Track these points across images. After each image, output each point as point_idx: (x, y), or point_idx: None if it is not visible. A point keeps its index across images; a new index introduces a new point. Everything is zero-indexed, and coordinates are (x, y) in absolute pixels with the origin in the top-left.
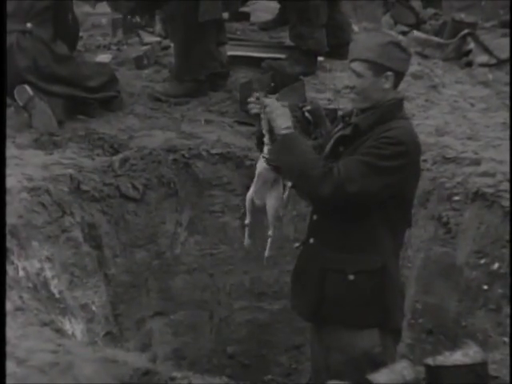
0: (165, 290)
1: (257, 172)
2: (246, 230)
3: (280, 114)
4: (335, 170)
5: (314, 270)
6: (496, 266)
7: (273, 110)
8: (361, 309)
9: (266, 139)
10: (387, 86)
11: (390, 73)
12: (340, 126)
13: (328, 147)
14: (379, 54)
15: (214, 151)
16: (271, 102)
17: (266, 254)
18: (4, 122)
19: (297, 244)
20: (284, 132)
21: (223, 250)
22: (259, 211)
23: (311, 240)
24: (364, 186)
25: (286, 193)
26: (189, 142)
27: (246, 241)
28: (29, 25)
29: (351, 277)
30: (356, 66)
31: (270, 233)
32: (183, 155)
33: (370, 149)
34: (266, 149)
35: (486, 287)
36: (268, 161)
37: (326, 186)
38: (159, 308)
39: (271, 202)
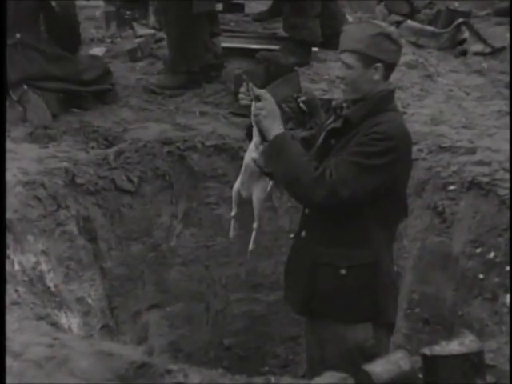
0: (161, 282)
1: (244, 163)
2: (232, 222)
3: (268, 115)
4: (327, 173)
5: (305, 264)
6: (492, 254)
7: (261, 108)
8: (353, 304)
9: (254, 131)
10: (377, 77)
11: (379, 64)
12: (332, 118)
13: (320, 140)
14: (368, 45)
15: (208, 143)
16: (261, 93)
17: (250, 247)
18: (4, 117)
19: (292, 235)
20: (274, 134)
21: (219, 242)
22: (246, 203)
23: (303, 233)
24: (357, 188)
25: (271, 183)
26: (183, 133)
27: (231, 233)
28: (18, 35)
29: (343, 271)
30: (345, 56)
31: (254, 225)
32: (178, 147)
33: (360, 147)
34: (254, 141)
35: (482, 276)
36: (258, 165)
37: (319, 192)
38: (155, 300)
39: (257, 194)
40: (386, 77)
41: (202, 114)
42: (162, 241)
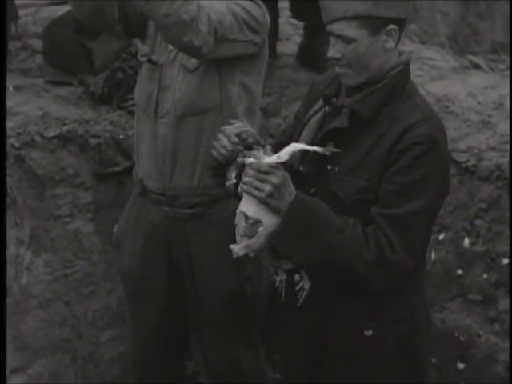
0: (18, 336)
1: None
2: None
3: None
4: (384, 245)
5: (309, 321)
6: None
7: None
8: (380, 378)
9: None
10: (390, 44)
11: (392, 26)
12: (324, 110)
13: (307, 139)
14: (374, 3)
15: (49, 133)
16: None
17: None
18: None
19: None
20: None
21: (80, 268)
22: None
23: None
24: (423, 243)
25: None
26: (12, 123)
27: None
28: None
29: (368, 332)
30: (342, 28)
31: None
32: (13, 145)
33: (404, 174)
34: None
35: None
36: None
37: (380, 278)
38: (15, 363)
39: None
40: (398, 41)
41: (17, 88)
42: (13, 280)
